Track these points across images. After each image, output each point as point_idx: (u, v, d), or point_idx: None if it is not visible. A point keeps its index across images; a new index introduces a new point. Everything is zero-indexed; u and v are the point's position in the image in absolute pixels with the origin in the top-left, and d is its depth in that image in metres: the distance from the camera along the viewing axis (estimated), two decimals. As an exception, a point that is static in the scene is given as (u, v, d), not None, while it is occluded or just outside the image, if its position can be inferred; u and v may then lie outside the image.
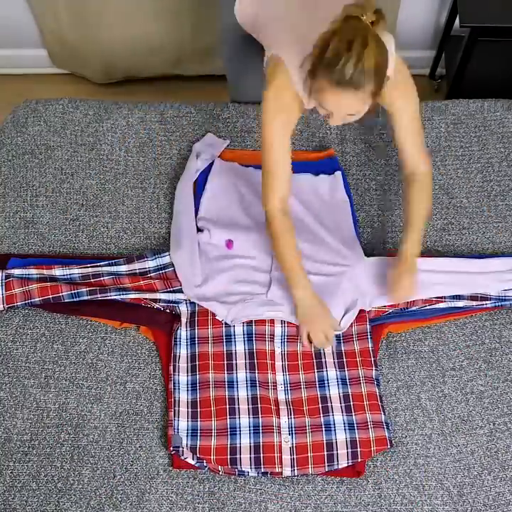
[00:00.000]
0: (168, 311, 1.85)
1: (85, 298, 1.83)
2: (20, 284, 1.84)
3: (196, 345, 1.79)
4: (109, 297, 1.83)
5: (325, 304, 1.78)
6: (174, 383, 1.75)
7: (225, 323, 1.81)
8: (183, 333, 1.81)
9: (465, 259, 1.92)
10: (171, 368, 1.77)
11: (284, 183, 1.71)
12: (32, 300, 1.83)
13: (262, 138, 1.67)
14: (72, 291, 1.83)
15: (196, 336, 1.80)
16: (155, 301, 1.84)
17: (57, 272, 1.87)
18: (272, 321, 1.81)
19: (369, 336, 1.81)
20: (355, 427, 1.69)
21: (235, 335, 1.80)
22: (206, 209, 2.02)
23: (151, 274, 1.88)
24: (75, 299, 1.83)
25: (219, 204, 2.03)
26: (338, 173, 2.10)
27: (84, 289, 1.83)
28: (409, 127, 1.75)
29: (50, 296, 1.83)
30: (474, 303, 1.85)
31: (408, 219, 1.80)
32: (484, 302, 1.85)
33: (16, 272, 1.86)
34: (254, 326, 1.81)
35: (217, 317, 1.82)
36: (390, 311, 1.84)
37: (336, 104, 1.46)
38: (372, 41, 1.37)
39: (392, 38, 1.61)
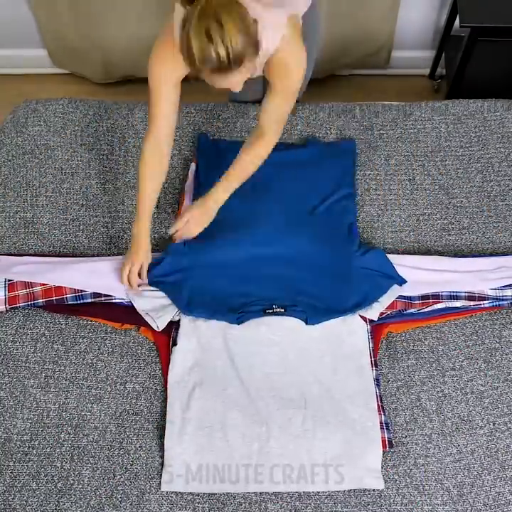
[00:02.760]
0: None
1: (89, 300, 1.83)
2: (23, 285, 1.84)
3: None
4: (113, 301, 1.84)
5: (145, 249, 1.81)
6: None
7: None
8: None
9: (450, 258, 1.93)
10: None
11: (160, 126, 1.74)
12: (35, 301, 1.83)
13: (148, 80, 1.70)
14: (76, 294, 1.83)
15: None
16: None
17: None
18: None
19: (369, 336, 1.81)
20: (355, 427, 1.69)
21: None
22: None
23: None
24: (78, 302, 1.84)
25: None
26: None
27: (88, 292, 1.83)
28: (274, 104, 1.73)
29: (54, 298, 1.83)
30: (472, 303, 1.85)
31: (229, 170, 1.81)
32: (482, 302, 1.85)
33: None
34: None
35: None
36: (389, 312, 1.84)
37: (227, 84, 1.47)
38: (225, 17, 1.34)
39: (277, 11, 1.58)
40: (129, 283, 1.81)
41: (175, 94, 1.71)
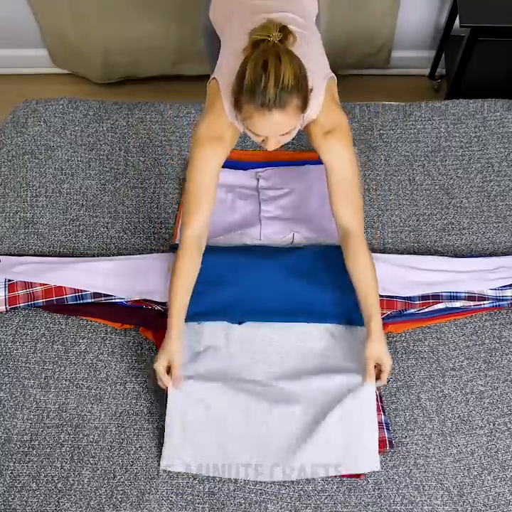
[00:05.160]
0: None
1: (89, 300, 1.83)
2: (23, 286, 1.84)
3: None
4: (113, 300, 1.84)
5: (177, 345, 1.65)
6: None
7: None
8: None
9: (450, 258, 1.93)
10: None
11: (204, 209, 1.65)
12: (35, 301, 1.83)
13: (189, 162, 1.64)
14: (76, 294, 1.83)
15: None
16: (156, 303, 1.85)
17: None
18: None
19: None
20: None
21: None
22: None
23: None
24: (78, 302, 1.84)
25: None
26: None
27: (88, 292, 1.84)
28: (342, 184, 1.65)
29: (54, 298, 1.83)
30: (472, 303, 1.85)
31: (362, 294, 1.67)
32: (482, 302, 1.85)
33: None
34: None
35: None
36: (389, 312, 1.84)
37: (267, 128, 1.45)
38: (285, 56, 1.38)
39: (324, 59, 1.64)
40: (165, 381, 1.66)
41: (215, 184, 1.65)
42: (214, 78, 1.64)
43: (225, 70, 1.60)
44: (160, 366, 1.62)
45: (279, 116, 1.42)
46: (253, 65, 1.39)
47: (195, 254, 1.67)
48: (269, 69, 1.37)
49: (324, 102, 1.62)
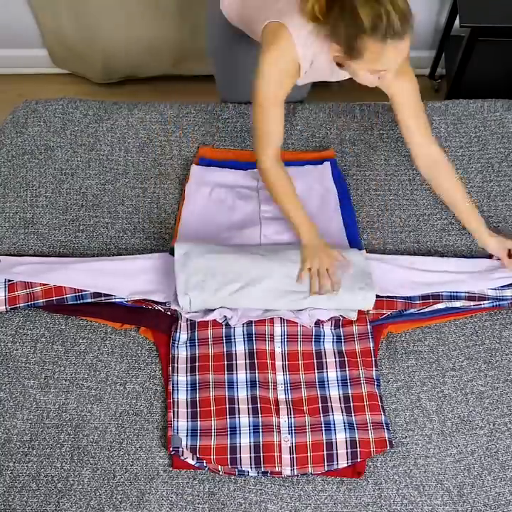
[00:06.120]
0: (169, 313, 1.85)
1: (89, 300, 1.83)
2: (23, 286, 1.84)
3: (196, 346, 1.79)
4: (113, 300, 1.84)
5: (327, 244, 1.80)
6: (173, 384, 1.74)
7: (225, 324, 1.81)
8: (183, 335, 1.81)
9: (450, 258, 1.93)
10: (170, 368, 1.77)
11: (278, 138, 1.75)
12: (35, 302, 1.83)
13: (255, 97, 1.68)
14: (76, 294, 1.83)
15: (196, 338, 1.80)
16: (156, 303, 1.85)
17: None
18: (272, 321, 1.81)
19: (370, 336, 1.81)
20: (355, 427, 1.69)
21: (234, 335, 1.80)
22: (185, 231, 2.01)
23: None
24: (78, 302, 1.84)
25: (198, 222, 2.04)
26: (327, 164, 2.10)
27: (88, 292, 1.84)
28: (416, 107, 1.76)
29: (54, 298, 1.83)
30: (472, 303, 1.85)
31: (466, 220, 1.89)
32: (482, 302, 1.85)
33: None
34: (254, 326, 1.80)
35: (217, 319, 1.82)
36: (389, 312, 1.84)
37: (399, 57, 1.47)
38: None
39: None
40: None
41: (283, 108, 1.73)
42: (271, 22, 1.62)
43: (287, 13, 1.60)
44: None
45: (405, 43, 1.45)
46: (363, 2, 1.39)
47: (279, 171, 1.78)
48: (382, 1, 1.38)
49: None
